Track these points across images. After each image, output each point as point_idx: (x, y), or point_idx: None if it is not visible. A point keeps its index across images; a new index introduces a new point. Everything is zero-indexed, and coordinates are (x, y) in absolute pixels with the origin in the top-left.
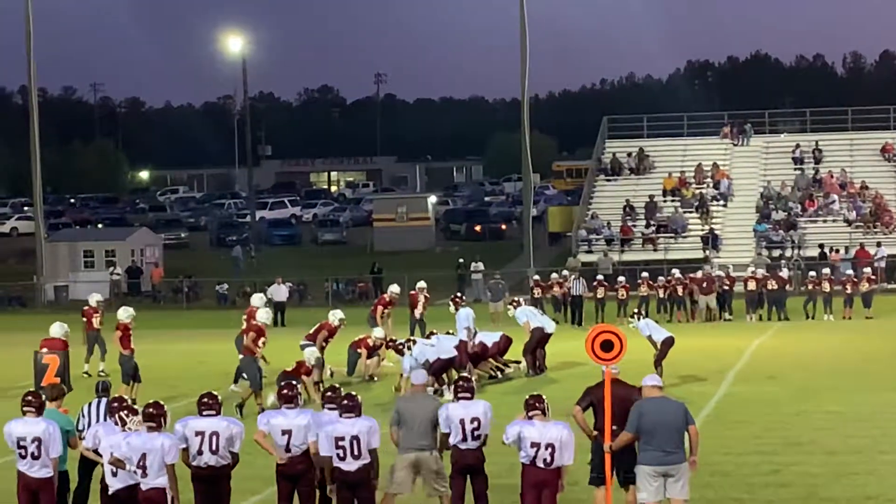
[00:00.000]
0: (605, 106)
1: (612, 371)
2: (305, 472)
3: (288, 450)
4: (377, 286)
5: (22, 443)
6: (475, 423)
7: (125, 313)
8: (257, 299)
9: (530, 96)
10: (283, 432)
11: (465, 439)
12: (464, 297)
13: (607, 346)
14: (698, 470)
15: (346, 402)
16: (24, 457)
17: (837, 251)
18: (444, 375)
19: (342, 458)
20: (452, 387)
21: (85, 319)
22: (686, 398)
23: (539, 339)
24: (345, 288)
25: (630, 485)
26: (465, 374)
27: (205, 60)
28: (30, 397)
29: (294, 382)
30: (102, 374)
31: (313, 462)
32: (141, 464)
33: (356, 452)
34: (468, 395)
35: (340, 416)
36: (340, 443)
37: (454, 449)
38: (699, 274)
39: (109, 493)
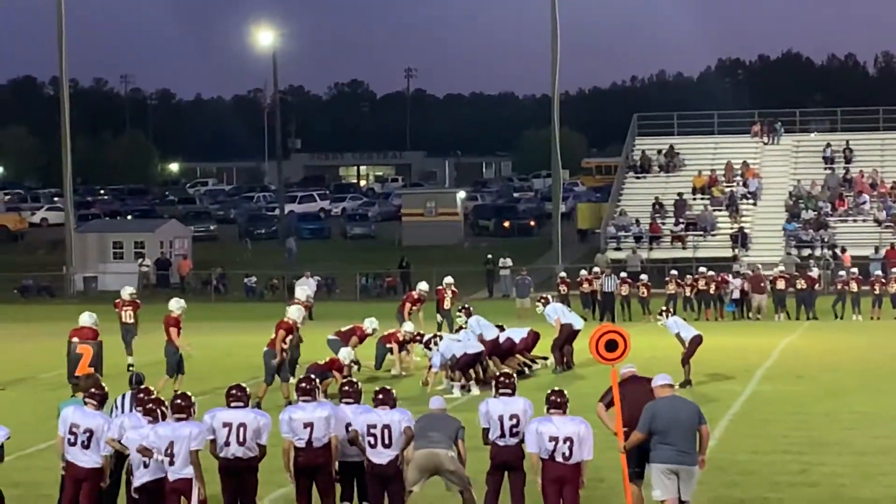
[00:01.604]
0: (636, 103)
1: (628, 369)
2: (325, 465)
3: (310, 443)
4: (405, 281)
5: (74, 430)
6: (514, 420)
7: (177, 305)
8: (300, 291)
9: (560, 93)
10: (305, 425)
11: (503, 435)
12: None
13: (611, 345)
14: (725, 469)
15: (380, 395)
16: (73, 444)
17: (845, 250)
18: (472, 371)
19: (372, 447)
20: (493, 382)
21: (116, 311)
22: (713, 397)
23: (567, 336)
24: (373, 282)
25: (637, 480)
26: (506, 371)
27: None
28: (94, 390)
29: (312, 376)
30: (132, 368)
31: (332, 455)
32: (168, 452)
33: (387, 441)
34: (509, 391)
35: (375, 407)
36: (372, 430)
37: (492, 445)
38: (751, 272)
39: (137, 485)
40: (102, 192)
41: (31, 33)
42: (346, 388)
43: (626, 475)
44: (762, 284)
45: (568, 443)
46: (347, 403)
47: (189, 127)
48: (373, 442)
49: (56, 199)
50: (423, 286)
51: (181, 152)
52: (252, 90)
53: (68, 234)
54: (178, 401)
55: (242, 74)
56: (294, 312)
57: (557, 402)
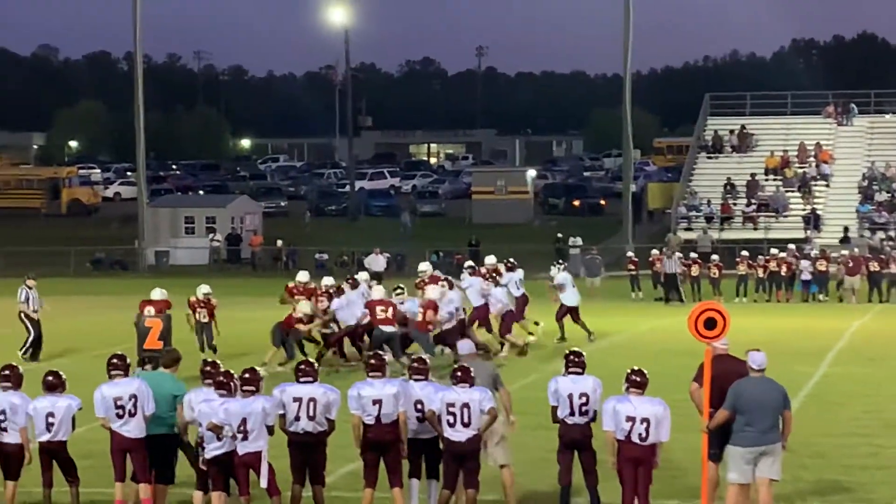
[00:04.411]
0: (708, 83)
1: (722, 346)
2: (394, 442)
3: (378, 419)
4: (474, 259)
5: (119, 402)
6: (583, 399)
7: (306, 278)
8: (303, 275)
9: (632, 72)
10: (374, 402)
11: (572, 414)
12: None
13: (710, 323)
14: (796, 451)
15: (458, 372)
16: (121, 416)
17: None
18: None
19: (451, 426)
20: (564, 360)
21: (190, 311)
22: (785, 379)
23: (566, 310)
24: (443, 259)
25: (715, 461)
26: (576, 349)
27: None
28: (115, 360)
29: (381, 353)
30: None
31: (401, 432)
32: (241, 428)
33: (466, 420)
34: (579, 369)
35: (455, 385)
36: (451, 409)
37: (561, 423)
38: (845, 253)
39: (209, 457)
40: (175, 167)
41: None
42: (416, 364)
43: (704, 455)
44: (859, 266)
45: (645, 423)
46: (417, 380)
47: (261, 103)
48: (451, 421)
49: (129, 173)
50: (490, 259)
51: (253, 128)
52: (324, 67)
53: (141, 208)
54: (247, 375)
55: (315, 51)
56: (304, 307)
57: (637, 382)
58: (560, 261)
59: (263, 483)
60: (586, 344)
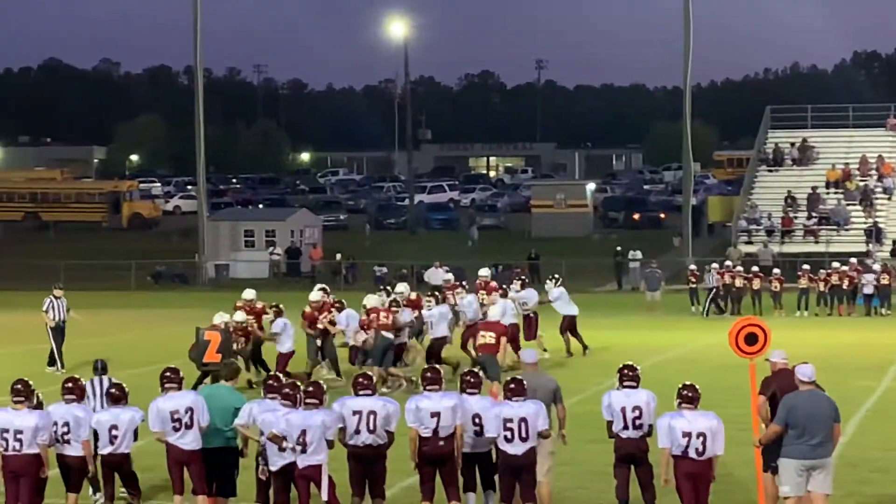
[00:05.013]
0: (769, 96)
1: (782, 361)
2: (450, 455)
3: (436, 432)
4: (534, 272)
5: (175, 415)
6: (637, 412)
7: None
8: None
9: (692, 85)
10: (432, 414)
11: (626, 427)
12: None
13: (751, 338)
14: (857, 466)
15: (512, 385)
16: (177, 429)
17: None
18: None
19: (509, 441)
20: (617, 374)
21: (307, 322)
22: (846, 394)
23: (569, 322)
24: (502, 273)
25: (771, 474)
26: (630, 363)
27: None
28: (169, 373)
29: (437, 366)
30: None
31: (458, 445)
32: (300, 440)
33: (523, 435)
34: (633, 383)
35: (508, 399)
36: (508, 424)
37: (616, 437)
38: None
39: (275, 469)
40: (234, 180)
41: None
42: (469, 378)
43: (759, 469)
44: None
45: (701, 438)
46: (471, 394)
47: (320, 116)
48: (509, 436)
49: (189, 186)
50: (484, 272)
51: (312, 142)
52: (383, 81)
53: (201, 222)
54: (311, 388)
55: (374, 65)
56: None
57: (689, 397)
58: (556, 275)
59: (325, 496)
60: (580, 357)
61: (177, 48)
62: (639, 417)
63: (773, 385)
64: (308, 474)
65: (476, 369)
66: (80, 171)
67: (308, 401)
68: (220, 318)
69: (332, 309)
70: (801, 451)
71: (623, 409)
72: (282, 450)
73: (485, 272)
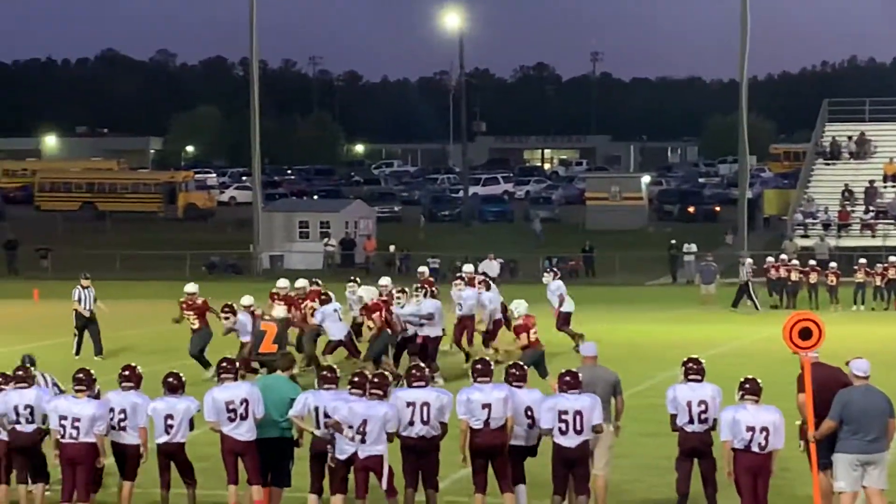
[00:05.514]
0: (826, 88)
1: (813, 355)
2: (502, 446)
3: (487, 423)
4: (588, 265)
5: (231, 406)
6: (702, 407)
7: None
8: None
9: (749, 77)
10: (483, 406)
11: (691, 422)
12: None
13: (805, 333)
14: None
15: (567, 377)
16: (232, 420)
17: None
18: None
19: (563, 433)
20: (682, 368)
21: (376, 314)
22: None
23: (565, 317)
24: (556, 265)
25: (826, 470)
26: (694, 357)
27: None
28: (225, 364)
29: (487, 359)
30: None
31: (508, 437)
32: (360, 430)
33: (578, 427)
34: (698, 377)
35: (563, 392)
36: (563, 417)
37: (680, 431)
38: None
39: (343, 457)
40: (289, 171)
41: (222, 15)
42: (515, 371)
43: (814, 464)
44: None
45: (764, 432)
46: (518, 387)
47: (375, 108)
48: (563, 428)
49: (244, 178)
50: (468, 267)
51: (367, 133)
52: (438, 72)
53: (256, 213)
54: (377, 379)
55: (429, 57)
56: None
57: (752, 390)
58: (553, 267)
59: (384, 486)
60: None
61: (232, 40)
62: (704, 412)
63: (814, 382)
64: (369, 465)
65: (520, 362)
66: (137, 162)
67: (373, 391)
68: (285, 282)
69: (318, 299)
70: (856, 446)
71: (689, 403)
72: (352, 440)
73: (469, 267)
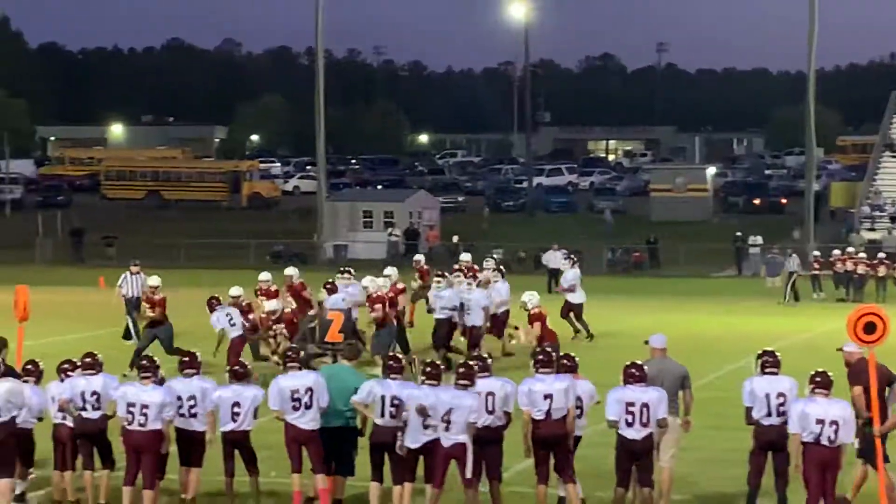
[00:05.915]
0: (894, 81)
1: (857, 350)
2: (564, 437)
3: (548, 414)
4: (653, 256)
5: (296, 395)
6: (781, 399)
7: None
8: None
9: (817, 69)
10: (545, 396)
11: (769, 414)
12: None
13: (870, 327)
14: None
15: (633, 370)
16: (297, 408)
17: None
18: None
19: (630, 425)
20: (759, 360)
21: (378, 305)
22: None
23: (570, 307)
24: (620, 256)
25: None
26: (770, 349)
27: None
28: (291, 353)
29: (549, 349)
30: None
31: (571, 428)
32: (445, 418)
33: (644, 420)
34: (775, 369)
35: (630, 384)
36: (630, 409)
37: (756, 424)
38: None
39: (415, 446)
40: (354, 161)
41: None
42: (566, 361)
43: (880, 459)
44: None
45: (834, 426)
46: (546, 373)
47: (439, 98)
48: (630, 420)
49: (308, 167)
50: (465, 257)
51: (431, 123)
52: (503, 63)
53: (320, 202)
54: (462, 369)
55: (493, 47)
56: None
57: (823, 383)
58: (572, 255)
59: (468, 474)
60: (573, 343)
61: (297, 29)
62: (783, 404)
63: (862, 375)
64: (453, 453)
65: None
66: (202, 151)
67: (460, 381)
68: (237, 291)
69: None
70: None
71: (767, 396)
72: (425, 427)
73: (466, 257)
